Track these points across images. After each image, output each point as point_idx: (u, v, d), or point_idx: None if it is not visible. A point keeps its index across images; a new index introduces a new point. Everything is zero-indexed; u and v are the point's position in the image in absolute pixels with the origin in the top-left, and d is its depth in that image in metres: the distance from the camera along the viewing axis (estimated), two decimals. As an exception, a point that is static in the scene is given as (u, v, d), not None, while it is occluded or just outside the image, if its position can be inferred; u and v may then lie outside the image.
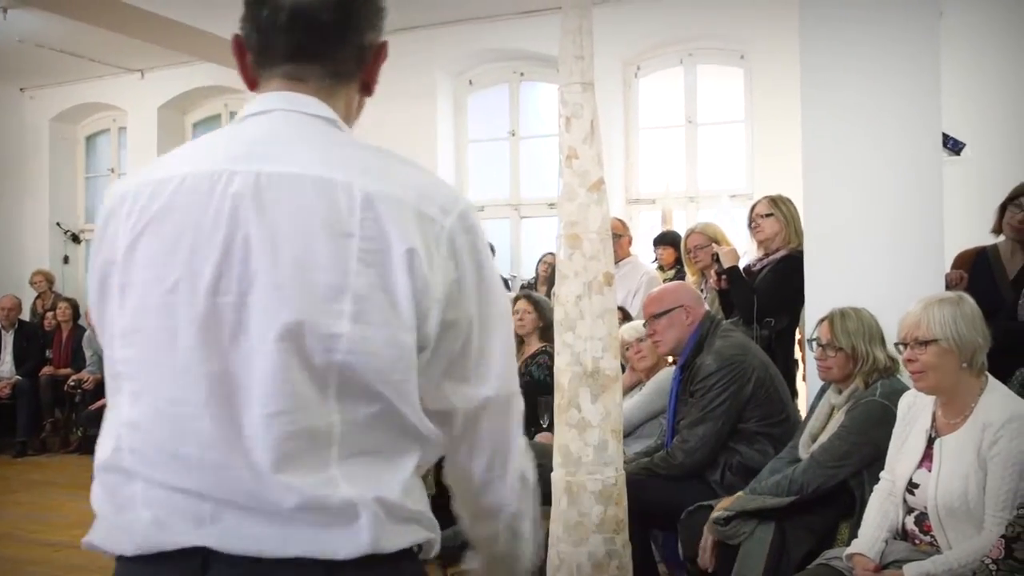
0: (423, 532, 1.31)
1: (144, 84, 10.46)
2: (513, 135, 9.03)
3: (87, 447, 8.55)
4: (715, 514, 3.51)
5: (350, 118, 1.41)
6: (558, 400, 3.60)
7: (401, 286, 1.22)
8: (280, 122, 1.32)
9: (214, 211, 1.23)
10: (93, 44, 9.07)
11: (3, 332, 9.39)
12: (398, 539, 1.26)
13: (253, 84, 1.39)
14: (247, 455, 1.21)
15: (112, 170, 11.29)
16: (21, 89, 11.19)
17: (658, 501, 3.86)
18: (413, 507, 1.29)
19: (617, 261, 4.72)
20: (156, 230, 1.25)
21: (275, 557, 1.22)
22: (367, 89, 1.44)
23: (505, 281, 8.33)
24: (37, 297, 10.21)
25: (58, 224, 11.18)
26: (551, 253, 7.96)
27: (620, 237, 5.99)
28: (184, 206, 1.25)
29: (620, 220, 6.53)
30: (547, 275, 7.72)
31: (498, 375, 1.38)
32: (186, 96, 10.40)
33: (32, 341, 9.47)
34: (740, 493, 3.60)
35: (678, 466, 3.89)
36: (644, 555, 3.89)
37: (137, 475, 1.26)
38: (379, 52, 1.43)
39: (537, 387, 5.10)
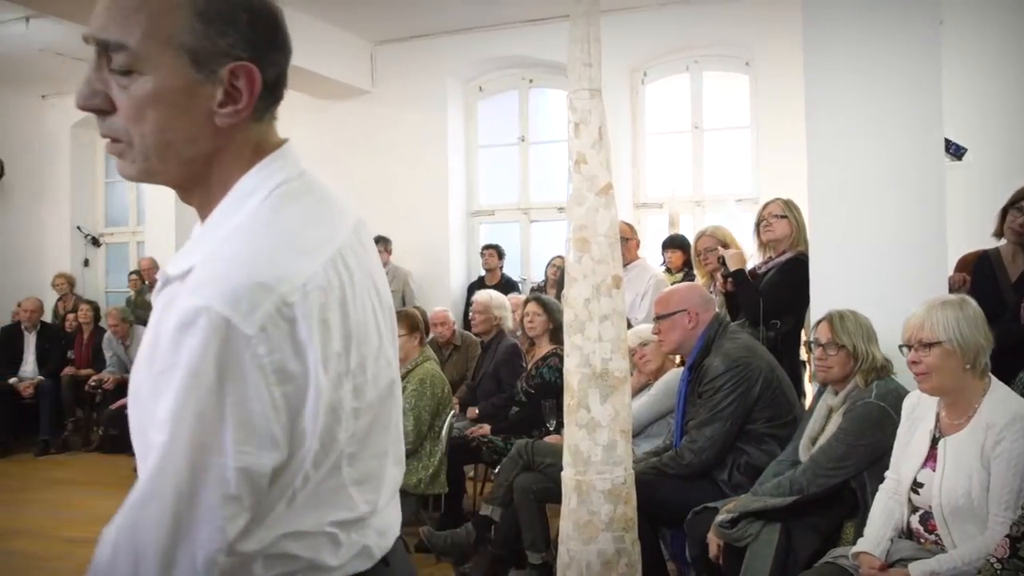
0: None
1: (162, 91, 10.46)
2: (522, 140, 9.02)
3: (108, 446, 8.58)
4: (720, 517, 3.49)
5: None
6: (568, 401, 3.58)
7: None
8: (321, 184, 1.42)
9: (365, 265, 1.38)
10: (112, 52, 9.07)
11: (26, 333, 9.41)
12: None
13: (249, 110, 1.37)
14: (395, 446, 1.45)
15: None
16: (43, 96, 11.23)
17: (667, 500, 3.84)
18: None
19: (625, 264, 4.71)
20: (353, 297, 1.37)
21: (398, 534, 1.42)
22: None
23: (515, 284, 8.32)
24: (59, 299, 10.24)
25: (79, 228, 11.21)
26: (560, 256, 7.95)
27: (628, 240, 5.97)
28: (357, 264, 1.36)
29: (628, 224, 6.51)
30: (556, 278, 7.70)
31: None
32: (204, 103, 10.40)
33: (54, 342, 9.49)
34: (743, 495, 3.58)
35: (686, 466, 3.87)
36: (653, 553, 3.88)
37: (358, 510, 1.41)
38: None
39: (549, 388, 5.09)
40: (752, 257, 5.27)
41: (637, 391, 4.60)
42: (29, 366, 9.30)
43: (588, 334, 3.45)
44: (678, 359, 4.82)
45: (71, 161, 11.26)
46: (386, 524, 1.33)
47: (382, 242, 8.13)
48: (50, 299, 10.23)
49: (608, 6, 4.37)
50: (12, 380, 9.10)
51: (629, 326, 5.02)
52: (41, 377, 9.13)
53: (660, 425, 4.52)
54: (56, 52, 9.15)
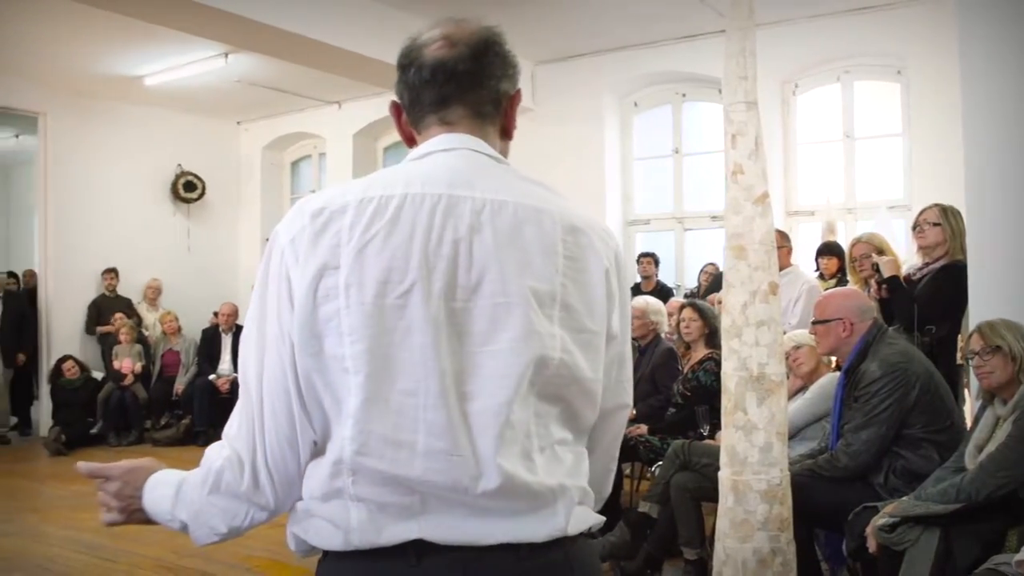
0: (593, 515, 1.40)
1: (341, 114, 10.84)
2: (676, 152, 8.91)
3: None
4: (880, 521, 3.35)
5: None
6: (725, 403, 3.51)
7: (599, 298, 1.37)
8: (469, 157, 1.38)
9: (439, 227, 1.28)
10: (297, 81, 9.47)
11: (223, 335, 9.88)
12: (581, 523, 1.35)
13: (410, 139, 1.48)
14: (474, 442, 1.26)
15: (313, 191, 11.65)
16: (238, 122, 11.78)
17: (822, 502, 3.71)
18: (587, 490, 1.38)
19: (779, 270, 4.58)
20: (386, 238, 1.27)
21: (485, 544, 1.26)
22: (507, 134, 1.49)
23: (670, 290, 8.23)
24: (255, 304, 10.67)
25: (267, 239, 11.65)
26: (712, 263, 7.83)
27: (781, 248, 5.81)
28: (409, 220, 1.28)
29: (781, 231, 6.34)
30: (708, 284, 7.59)
31: (630, 383, 1.51)
32: (378, 123, 10.69)
33: (248, 343, 9.90)
34: (904, 498, 3.42)
35: (842, 468, 3.74)
36: (807, 553, 3.75)
37: (345, 465, 1.26)
38: (513, 100, 1.47)
39: (705, 392, 5.00)
40: (906, 263, 5.06)
41: (792, 394, 4.47)
42: (226, 364, 9.77)
43: (745, 339, 3.37)
44: (833, 362, 4.67)
45: (261, 180, 11.77)
46: None
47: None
48: (244, 304, 10.69)
49: (761, 19, 4.27)
50: (212, 376, 9.59)
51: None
52: (236, 374, 9.53)
53: (815, 428, 4.37)
54: (250, 83, 9.60)
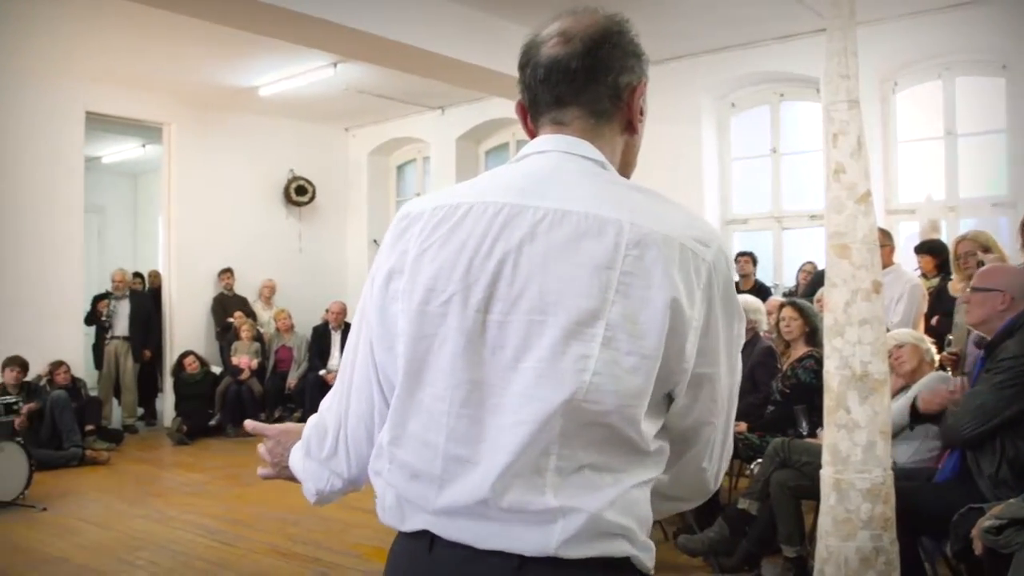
0: (625, 547, 1.25)
1: (444, 119, 10.95)
2: (774, 152, 8.72)
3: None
4: (986, 523, 3.21)
5: (615, 157, 1.39)
6: (827, 402, 3.42)
7: (654, 320, 1.21)
8: (556, 161, 1.32)
9: (492, 238, 1.26)
10: (402, 87, 9.59)
11: (332, 332, 10.08)
12: (589, 549, 1.23)
13: (533, 136, 1.41)
14: (489, 455, 1.24)
15: (418, 194, 11.83)
16: (346, 129, 12.00)
17: (926, 504, 3.59)
18: (616, 521, 1.24)
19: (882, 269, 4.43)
20: (441, 247, 1.29)
21: (481, 548, 1.25)
22: (630, 127, 1.40)
23: (768, 289, 8.06)
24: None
25: (375, 241, 11.86)
26: (810, 262, 7.65)
27: (883, 247, 5.64)
28: (467, 230, 1.27)
29: (883, 230, 6.14)
30: (807, 283, 7.42)
31: (721, 402, 1.35)
32: (480, 128, 10.78)
33: (356, 340, 10.08)
34: (1012, 500, 3.27)
35: (947, 428, 3.61)
36: (911, 554, 3.62)
37: (384, 451, 1.34)
38: (636, 92, 1.38)
39: (804, 390, 4.89)
40: (1011, 260, 4.86)
41: (894, 393, 4.32)
42: (335, 360, 9.95)
43: (848, 337, 3.28)
44: (937, 360, 4.51)
45: (368, 183, 11.95)
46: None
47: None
48: (352, 302, 10.88)
49: (861, 18, 4.14)
50: (322, 372, 9.79)
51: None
52: (346, 368, 9.73)
53: (918, 428, 4.22)
54: (358, 90, 9.76)
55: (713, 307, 1.25)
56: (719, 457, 1.40)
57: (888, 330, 4.61)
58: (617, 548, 1.24)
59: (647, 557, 1.29)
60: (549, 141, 1.35)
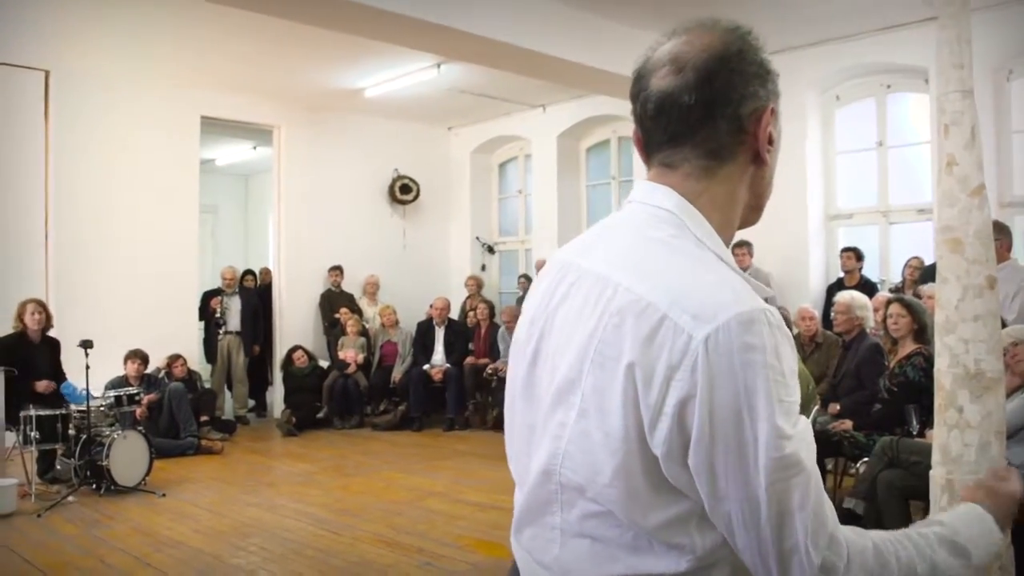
0: None
1: (545, 117, 10.96)
2: (880, 145, 8.46)
3: (501, 425, 9.06)
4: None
5: (738, 193, 1.22)
6: (938, 401, 3.30)
7: (616, 400, 1.08)
8: (626, 214, 1.24)
9: (548, 296, 1.25)
10: (504, 86, 9.65)
11: (436, 328, 10.20)
12: None
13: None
14: (522, 497, 1.27)
15: (520, 191, 11.92)
16: (448, 128, 12.13)
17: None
18: None
19: (997, 264, 4.26)
20: (528, 299, 1.32)
21: None
22: (759, 159, 1.22)
23: (874, 285, 7.83)
24: (467, 298, 10.99)
25: (477, 238, 11.97)
26: (916, 257, 7.41)
27: (997, 241, 5.41)
28: (541, 288, 1.29)
29: (999, 223, 5.88)
30: (913, 279, 7.19)
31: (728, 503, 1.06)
32: (580, 125, 10.76)
33: (459, 336, 10.22)
34: None
35: None
36: (1028, 557, 3.47)
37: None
38: (762, 119, 1.20)
39: (913, 388, 4.75)
40: None
41: (1009, 392, 4.16)
42: (439, 355, 10.09)
43: (960, 334, 3.16)
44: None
45: (471, 182, 12.06)
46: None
47: (745, 246, 7.97)
48: (455, 299, 11.00)
49: (974, 5, 3.99)
50: (425, 367, 9.92)
51: (1003, 325, 4.57)
52: (448, 365, 9.87)
53: (1034, 428, 4.06)
54: (460, 90, 9.86)
55: (696, 394, 1.03)
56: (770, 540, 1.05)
57: (1003, 327, 4.45)
58: None
59: None
60: (638, 191, 1.25)
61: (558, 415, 1.16)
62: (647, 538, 1.11)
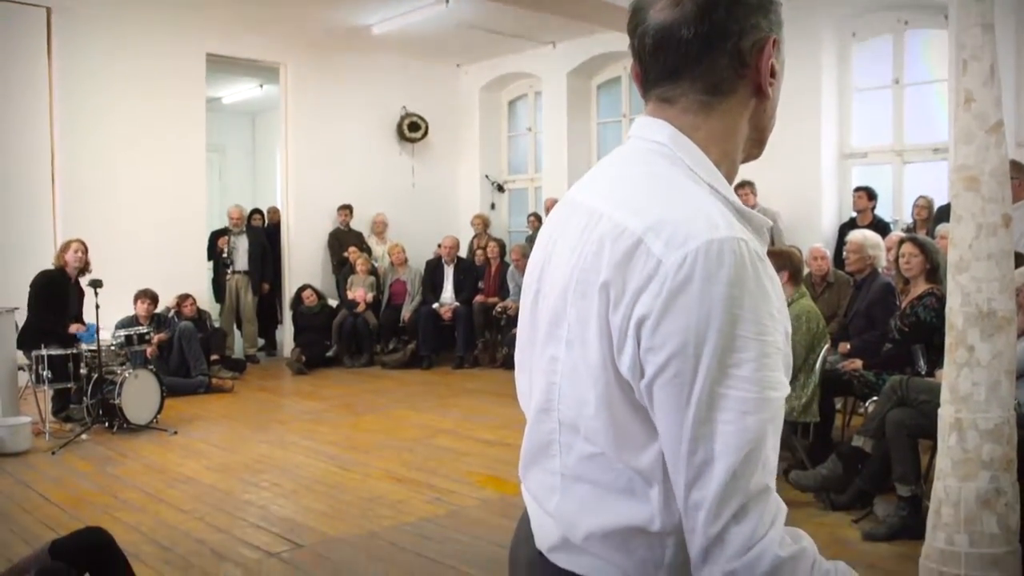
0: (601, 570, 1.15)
1: (556, 54, 10.83)
2: (896, 83, 8.34)
3: (510, 363, 9.12)
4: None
5: (737, 131, 1.19)
6: (949, 340, 3.31)
7: (593, 320, 1.07)
8: (624, 150, 1.22)
9: (549, 233, 1.24)
10: (514, 22, 9.52)
11: (445, 266, 10.21)
12: (574, 564, 1.18)
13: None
14: (525, 439, 1.25)
15: (529, 129, 11.83)
16: (457, 65, 11.99)
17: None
18: (606, 554, 1.13)
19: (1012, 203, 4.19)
20: (536, 241, 1.30)
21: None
22: (760, 92, 1.17)
23: (886, 224, 7.78)
24: (474, 237, 10.97)
25: (486, 176, 11.91)
26: (923, 196, 7.36)
27: (1014, 179, 5.33)
28: (551, 221, 1.27)
29: (1016, 162, 5.79)
30: (923, 218, 7.15)
31: (715, 484, 0.99)
32: (591, 62, 10.63)
33: (468, 274, 10.23)
34: None
35: None
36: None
37: None
38: (763, 51, 1.15)
39: (924, 328, 4.74)
40: None
41: (1021, 332, 4.15)
42: (448, 294, 10.13)
43: (973, 273, 3.15)
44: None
45: (480, 119, 11.96)
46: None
47: (748, 185, 7.88)
48: (464, 238, 10.99)
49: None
50: (435, 305, 9.95)
51: (1021, 263, 4.54)
52: (457, 303, 9.91)
53: (1046, 369, 4.05)
54: (469, 26, 9.73)
55: (651, 316, 1.00)
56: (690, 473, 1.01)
57: (1019, 264, 4.42)
58: (600, 574, 1.15)
59: None
60: (636, 124, 1.22)
61: (550, 350, 1.15)
62: (642, 482, 1.09)
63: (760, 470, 0.99)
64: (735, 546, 0.97)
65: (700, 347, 0.97)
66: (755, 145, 1.24)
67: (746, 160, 1.24)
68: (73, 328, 6.90)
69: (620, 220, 1.06)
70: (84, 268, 7.06)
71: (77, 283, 7.09)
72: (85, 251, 7.05)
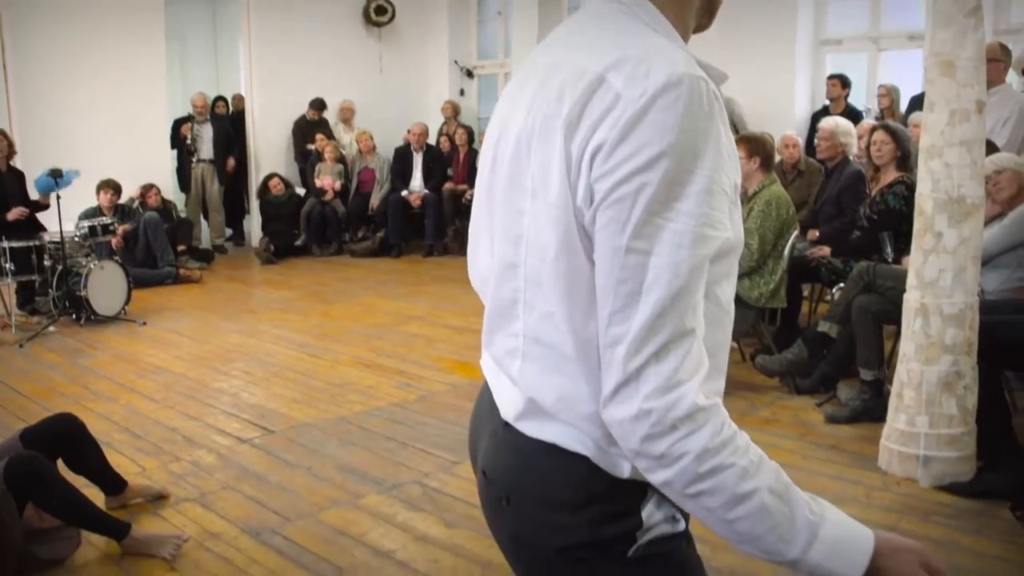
0: (577, 445, 1.11)
1: (526, -67, 10.48)
2: (875, -35, 8.17)
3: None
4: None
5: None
6: (917, 226, 3.33)
7: (555, 160, 1.04)
8: (581, 13, 1.20)
9: (515, 92, 1.20)
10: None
11: (414, 153, 10.09)
12: (539, 431, 1.14)
13: None
14: (488, 302, 1.23)
15: (499, 13, 11.53)
16: (424, -57, 11.59)
17: (1011, 336, 3.52)
18: (567, 419, 1.11)
19: (989, 87, 4.14)
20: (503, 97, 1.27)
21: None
22: None
23: (859, 113, 7.74)
24: (443, 123, 10.81)
25: (455, 61, 11.65)
26: (883, 85, 7.32)
27: (997, 61, 5.27)
28: (515, 81, 1.24)
29: (1002, 44, 5.69)
30: (886, 106, 7.11)
31: (638, 328, 0.97)
32: (563, -58, 10.33)
33: (437, 162, 10.12)
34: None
35: None
36: (992, 383, 3.55)
37: None
38: None
39: (892, 216, 4.77)
40: None
41: (988, 220, 4.18)
42: (417, 181, 10.04)
43: (945, 159, 3.15)
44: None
45: (448, 3, 11.59)
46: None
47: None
48: (433, 125, 10.82)
49: None
50: (404, 193, 9.87)
51: (995, 150, 4.54)
52: (427, 191, 9.83)
53: (1009, 256, 4.10)
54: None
55: (605, 145, 0.99)
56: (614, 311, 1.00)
57: (994, 151, 4.43)
58: (569, 441, 1.12)
59: (613, 464, 1.10)
60: None
61: (515, 204, 1.12)
62: (583, 338, 1.07)
63: (690, 313, 0.97)
64: (653, 384, 0.96)
65: (647, 174, 0.96)
66: (705, 15, 1.22)
67: (697, 30, 1.22)
68: (13, 214, 6.72)
69: (580, 63, 1.05)
70: (9, 154, 6.92)
71: (11, 171, 6.95)
72: (5, 138, 6.92)
